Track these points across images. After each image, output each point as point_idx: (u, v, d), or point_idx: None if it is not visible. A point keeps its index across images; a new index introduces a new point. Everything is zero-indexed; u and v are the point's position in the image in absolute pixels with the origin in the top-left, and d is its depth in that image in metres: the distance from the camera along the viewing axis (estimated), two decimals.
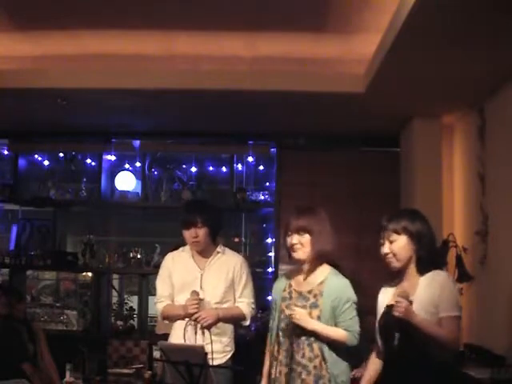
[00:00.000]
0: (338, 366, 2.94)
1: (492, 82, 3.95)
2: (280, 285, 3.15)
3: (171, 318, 3.55)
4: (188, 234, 3.46)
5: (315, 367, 2.93)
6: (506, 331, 3.78)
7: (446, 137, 4.96)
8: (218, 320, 3.41)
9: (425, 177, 4.79)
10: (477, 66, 3.65)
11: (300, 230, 2.98)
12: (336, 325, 2.95)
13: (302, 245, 2.98)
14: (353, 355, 3.04)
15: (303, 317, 2.92)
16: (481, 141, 4.32)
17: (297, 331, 2.96)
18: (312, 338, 2.93)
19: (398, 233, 2.68)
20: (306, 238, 2.98)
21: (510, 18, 2.96)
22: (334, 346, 2.93)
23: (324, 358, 2.92)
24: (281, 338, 3.02)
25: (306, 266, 3.04)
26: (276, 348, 3.04)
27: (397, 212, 2.85)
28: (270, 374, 3.07)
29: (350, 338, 2.93)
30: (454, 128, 5.00)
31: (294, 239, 2.99)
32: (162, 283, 3.58)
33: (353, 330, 2.95)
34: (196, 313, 3.33)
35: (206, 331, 3.36)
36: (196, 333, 3.35)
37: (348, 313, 2.95)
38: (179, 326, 3.47)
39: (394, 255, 2.69)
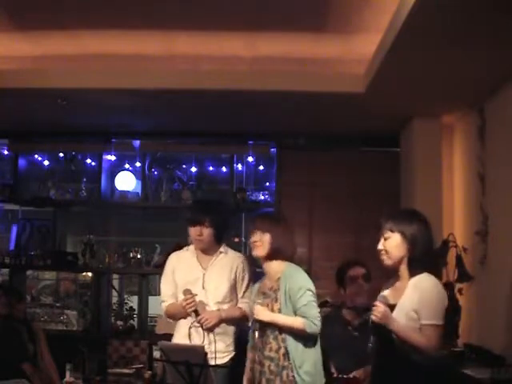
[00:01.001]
0: (302, 356, 3.02)
1: (492, 82, 3.95)
2: (253, 291, 3.33)
3: (175, 317, 3.56)
4: (193, 231, 3.49)
5: (279, 358, 3.04)
6: (505, 331, 3.78)
7: (446, 137, 4.96)
8: (221, 321, 3.43)
9: (425, 177, 4.79)
10: (477, 66, 3.65)
11: (261, 229, 3.18)
12: (295, 314, 3.06)
13: (261, 242, 3.16)
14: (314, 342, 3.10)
15: (260, 311, 3.09)
16: (481, 141, 4.32)
17: (264, 328, 3.10)
18: (276, 332, 3.06)
19: (392, 231, 2.70)
20: (267, 236, 3.16)
21: (510, 18, 2.96)
22: (299, 335, 3.03)
23: (287, 349, 3.02)
24: (255, 340, 3.17)
25: (266, 266, 3.21)
26: (252, 351, 3.19)
27: (396, 212, 2.86)
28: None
29: (308, 324, 3.01)
30: (454, 128, 5.00)
31: (256, 237, 3.18)
32: (165, 283, 3.61)
33: (309, 316, 3.02)
34: (195, 310, 3.36)
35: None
36: (203, 335, 3.37)
37: (302, 300, 3.05)
38: (183, 326, 3.49)
39: (386, 252, 2.72)
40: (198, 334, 3.40)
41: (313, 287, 3.11)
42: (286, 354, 3.02)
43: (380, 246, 2.74)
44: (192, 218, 3.52)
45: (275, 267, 3.19)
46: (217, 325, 3.40)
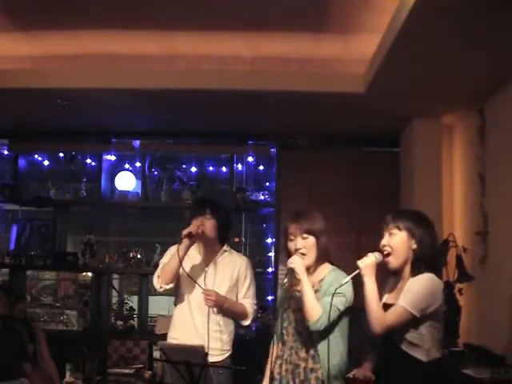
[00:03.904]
0: (331, 360, 2.87)
1: (492, 82, 3.95)
2: (284, 285, 3.12)
3: (169, 267, 3.45)
4: (195, 222, 3.47)
5: (307, 360, 2.93)
6: (506, 331, 3.79)
7: (446, 137, 4.97)
8: (222, 305, 3.44)
9: (425, 177, 4.79)
10: (477, 66, 3.65)
11: (304, 233, 2.97)
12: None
13: (306, 248, 2.96)
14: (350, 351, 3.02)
15: (298, 261, 2.89)
16: (481, 141, 4.32)
17: (299, 328, 2.96)
18: (312, 334, 2.91)
19: (399, 228, 2.66)
20: (311, 240, 2.97)
21: (510, 18, 2.96)
22: (329, 337, 2.88)
23: (317, 352, 2.91)
24: (285, 337, 3.04)
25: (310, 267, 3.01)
26: (281, 348, 3.05)
27: (404, 211, 2.82)
28: (272, 373, 3.05)
29: (323, 319, 2.81)
30: (453, 128, 5.00)
31: (299, 244, 2.97)
32: (165, 258, 3.57)
33: (325, 316, 2.81)
34: (192, 235, 3.37)
35: (209, 319, 3.42)
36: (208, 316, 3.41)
37: (335, 299, 2.82)
38: (179, 318, 3.53)
39: (391, 249, 2.66)
40: (200, 311, 3.45)
41: (349, 295, 2.90)
42: (316, 357, 2.91)
43: (384, 242, 2.68)
44: (194, 210, 3.55)
45: (319, 268, 3.02)
46: (216, 305, 3.42)
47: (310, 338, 2.93)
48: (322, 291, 2.94)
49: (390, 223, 2.68)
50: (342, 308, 2.88)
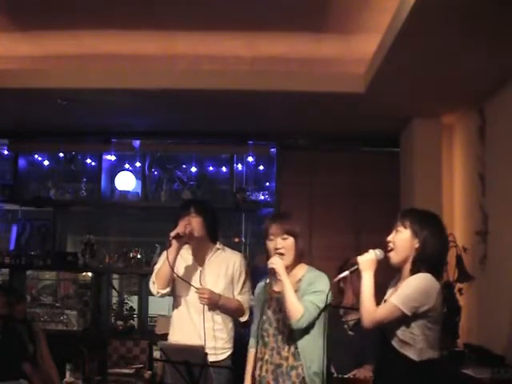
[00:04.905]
0: (311, 356, 2.95)
1: (492, 82, 3.95)
2: (261, 288, 3.20)
3: (163, 272, 3.46)
4: (182, 223, 3.47)
5: (288, 358, 2.97)
6: (505, 331, 3.79)
7: (446, 137, 4.96)
8: (217, 302, 3.45)
9: (425, 177, 4.79)
10: (477, 66, 3.65)
11: (284, 234, 3.03)
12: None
13: (285, 249, 3.02)
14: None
15: (278, 261, 2.96)
16: (481, 141, 4.32)
17: (281, 327, 3.01)
18: (293, 333, 2.97)
19: (405, 226, 2.69)
20: (290, 241, 3.03)
21: (510, 18, 2.96)
22: (308, 334, 2.95)
23: (297, 349, 2.95)
24: (265, 339, 3.07)
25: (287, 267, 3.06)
26: (261, 349, 3.08)
27: (413, 210, 2.85)
28: (253, 374, 3.10)
29: (304, 317, 2.90)
30: (453, 128, 5.00)
31: (278, 244, 3.03)
32: (158, 263, 3.57)
33: (308, 312, 2.91)
34: (178, 235, 3.37)
35: (205, 317, 3.41)
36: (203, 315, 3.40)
37: (314, 297, 2.94)
38: (178, 320, 3.53)
39: (394, 245, 2.69)
40: (197, 311, 3.44)
41: (326, 291, 2.98)
42: (297, 354, 2.96)
43: (389, 238, 2.72)
44: (180, 211, 3.55)
45: (296, 269, 3.09)
46: (211, 303, 3.42)
47: (291, 336, 2.98)
48: (300, 291, 2.99)
49: (398, 220, 2.73)
50: (321, 306, 2.96)
